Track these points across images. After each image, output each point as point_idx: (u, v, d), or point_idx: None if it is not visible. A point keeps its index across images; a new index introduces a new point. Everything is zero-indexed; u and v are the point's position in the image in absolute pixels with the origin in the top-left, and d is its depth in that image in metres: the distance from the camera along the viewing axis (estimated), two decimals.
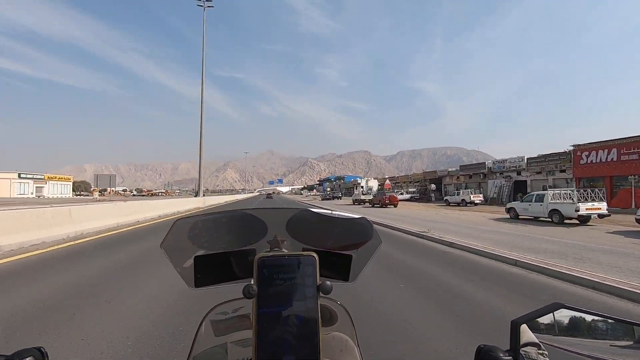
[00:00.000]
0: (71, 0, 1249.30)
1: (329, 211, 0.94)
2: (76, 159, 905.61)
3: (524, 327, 0.63)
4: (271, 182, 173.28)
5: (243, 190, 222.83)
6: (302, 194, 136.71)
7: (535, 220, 17.01)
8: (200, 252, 0.86)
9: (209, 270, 0.87)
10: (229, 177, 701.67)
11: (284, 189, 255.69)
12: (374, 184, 79.36)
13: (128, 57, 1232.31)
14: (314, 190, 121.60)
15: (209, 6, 34.11)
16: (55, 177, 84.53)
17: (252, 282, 0.74)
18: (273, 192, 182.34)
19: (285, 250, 0.85)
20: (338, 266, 0.91)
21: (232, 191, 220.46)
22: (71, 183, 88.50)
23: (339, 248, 0.91)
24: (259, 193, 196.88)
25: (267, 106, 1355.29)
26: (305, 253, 0.78)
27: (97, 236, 10.48)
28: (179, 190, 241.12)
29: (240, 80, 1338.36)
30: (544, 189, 24.93)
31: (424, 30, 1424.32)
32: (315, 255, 0.77)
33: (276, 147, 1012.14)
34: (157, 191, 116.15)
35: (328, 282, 0.76)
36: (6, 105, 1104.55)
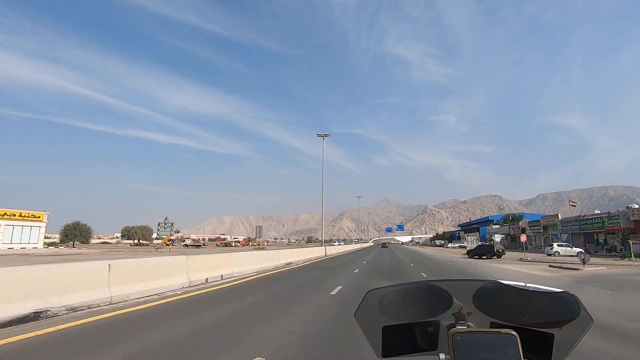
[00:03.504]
0: (222, 86, 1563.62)
1: (522, 284, 0.85)
2: (218, 212, 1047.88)
3: None
4: (389, 230, 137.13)
5: (359, 240, 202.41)
6: (446, 247, 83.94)
7: None
8: (388, 322, 0.84)
9: (396, 340, 0.85)
10: (345, 227, 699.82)
11: (404, 238, 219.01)
12: None
13: (262, 125, 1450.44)
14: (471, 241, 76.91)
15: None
16: (10, 214, 46.57)
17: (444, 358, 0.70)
18: (389, 242, 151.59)
19: (472, 324, 0.80)
20: (536, 346, 0.80)
21: (345, 240, 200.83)
22: (42, 225, 50.78)
23: (536, 325, 0.80)
24: (373, 243, 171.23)
25: (383, 156, 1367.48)
26: (504, 331, 0.71)
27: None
28: (296, 240, 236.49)
29: (358, 135, 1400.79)
30: None
31: (556, 60, 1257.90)
32: (515, 334, 0.70)
33: (392, 195, 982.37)
34: (232, 240, 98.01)
35: None
36: (178, 172, 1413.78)
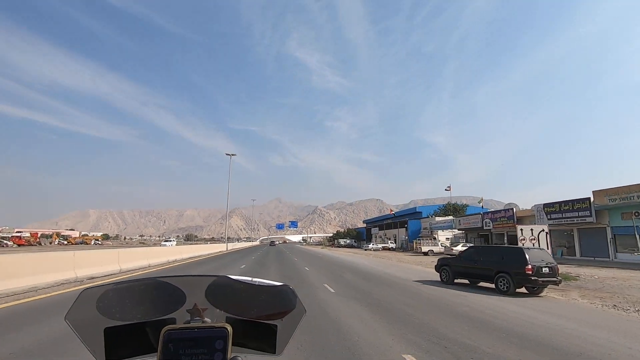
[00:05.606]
0: (101, 60, 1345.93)
1: (249, 279, 0.88)
2: (82, 204, 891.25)
3: None
4: (280, 226, 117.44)
5: (248, 239, 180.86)
6: (365, 248, 59.78)
7: None
8: (111, 324, 0.78)
9: (123, 342, 0.79)
10: (234, 225, 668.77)
11: (295, 237, 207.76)
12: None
13: (149, 110, 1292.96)
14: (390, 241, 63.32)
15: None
16: None
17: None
18: (284, 242, 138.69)
19: (208, 320, 0.80)
20: (264, 337, 0.85)
21: (230, 239, 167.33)
22: None
23: (264, 317, 0.85)
24: (260, 242, 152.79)
25: (278, 156, 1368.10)
26: (217, 325, 0.73)
27: None
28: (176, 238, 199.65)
29: (254, 132, 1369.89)
30: None
31: (432, 86, 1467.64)
32: (228, 327, 0.72)
33: (284, 195, 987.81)
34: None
35: (239, 358, 0.71)
36: (33, 155, 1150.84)
